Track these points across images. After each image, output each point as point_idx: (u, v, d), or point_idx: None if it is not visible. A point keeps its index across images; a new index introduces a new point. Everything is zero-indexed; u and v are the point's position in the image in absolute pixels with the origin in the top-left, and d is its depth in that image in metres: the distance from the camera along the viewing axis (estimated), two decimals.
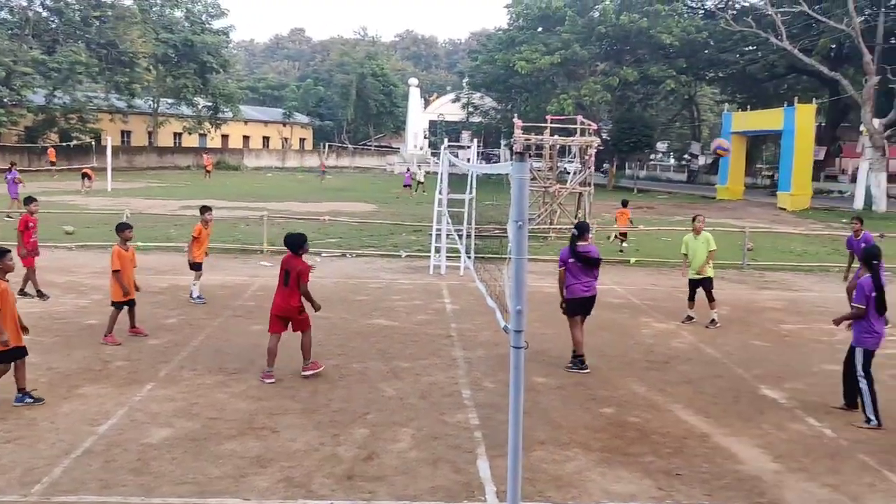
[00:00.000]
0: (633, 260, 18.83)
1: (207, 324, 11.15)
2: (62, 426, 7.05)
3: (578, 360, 9.38)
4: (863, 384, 7.81)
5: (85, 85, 59.50)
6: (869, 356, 7.86)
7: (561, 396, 8.35)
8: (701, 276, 11.97)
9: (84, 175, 36.37)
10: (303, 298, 8.75)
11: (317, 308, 8.92)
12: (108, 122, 60.88)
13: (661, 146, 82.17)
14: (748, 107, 49.89)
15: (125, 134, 68.35)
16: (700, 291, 12.08)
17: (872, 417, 7.68)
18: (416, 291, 14.26)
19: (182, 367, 9.00)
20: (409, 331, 11.11)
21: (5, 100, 50.87)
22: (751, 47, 52.10)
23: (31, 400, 7.58)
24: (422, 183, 43.42)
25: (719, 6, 56.24)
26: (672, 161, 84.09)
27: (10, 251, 7.86)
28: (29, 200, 13.33)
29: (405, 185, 41.72)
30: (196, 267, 12.63)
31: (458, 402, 8.03)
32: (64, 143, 56.09)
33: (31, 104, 54.08)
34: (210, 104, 68.15)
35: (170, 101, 67.27)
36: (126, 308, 10.12)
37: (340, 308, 12.50)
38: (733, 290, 15.32)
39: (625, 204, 22.93)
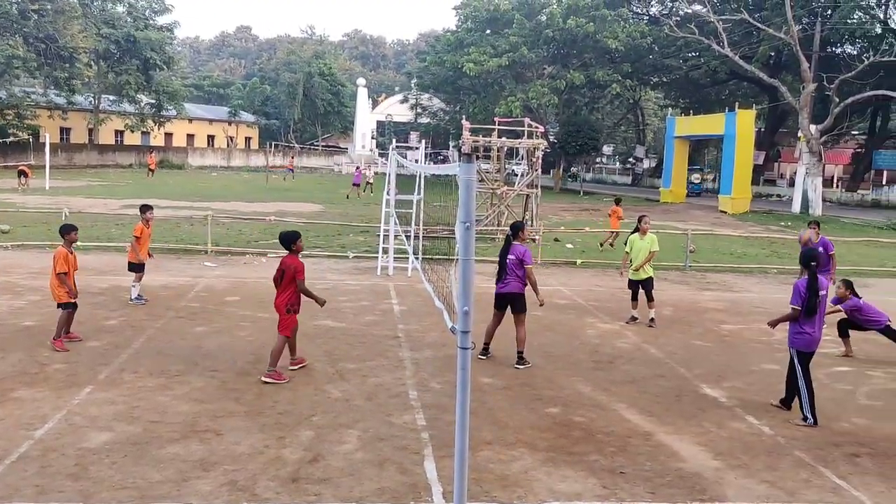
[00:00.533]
0: (579, 261, 19.05)
1: (149, 325, 10.91)
2: None
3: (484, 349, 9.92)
4: (800, 383, 8.03)
5: (22, 80, 57.78)
6: (804, 357, 8.06)
7: (507, 397, 8.41)
8: (641, 276, 12.21)
9: (21, 173, 35.31)
10: (297, 297, 8.90)
11: (321, 303, 9.17)
12: (47, 119, 59.24)
13: (607, 149, 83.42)
14: (691, 112, 50.98)
15: (64, 131, 66.55)
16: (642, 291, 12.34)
17: (809, 415, 7.90)
18: (363, 292, 14.19)
19: (123, 369, 8.79)
20: (356, 332, 11.06)
21: None
22: (694, 53, 53.27)
23: None
24: (370, 183, 43.27)
25: (663, 13, 57.39)
26: (617, 164, 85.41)
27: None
28: None
29: (354, 185, 41.44)
30: (135, 268, 12.33)
31: (405, 404, 8.01)
32: (0, 140, 54.35)
33: None
34: (153, 101, 66.79)
35: (111, 97, 65.76)
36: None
37: None
38: (676, 291, 15.63)
39: (618, 202, 23.31)
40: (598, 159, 79.71)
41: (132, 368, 8.83)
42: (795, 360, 8.09)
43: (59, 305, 9.69)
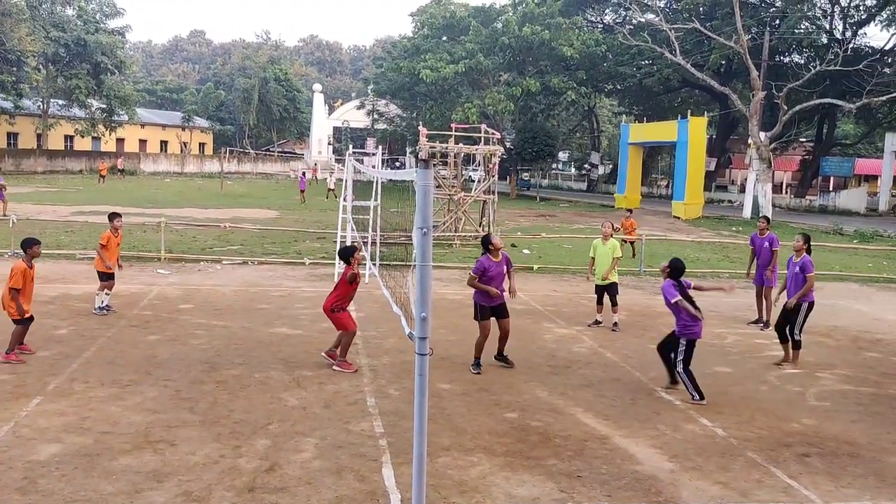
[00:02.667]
0: (535, 267, 19.18)
1: (101, 334, 10.69)
2: None
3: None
4: (679, 368, 8.86)
5: None
6: (692, 345, 8.84)
7: (465, 402, 8.42)
8: (606, 282, 12.37)
9: None
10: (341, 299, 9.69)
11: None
12: None
13: (563, 156, 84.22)
14: (644, 119, 51.76)
15: (11, 136, 64.97)
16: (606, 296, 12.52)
17: (695, 394, 8.70)
18: (320, 299, 13.96)
19: (73, 379, 8.59)
20: (314, 339, 10.97)
21: None
22: (647, 62, 54.16)
23: None
24: (332, 189, 43.01)
25: (617, 21, 58.23)
26: (573, 170, 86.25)
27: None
28: None
29: (301, 191, 41.05)
30: (102, 277, 12.01)
31: (363, 411, 7.97)
32: None
33: None
34: (104, 106, 65.51)
35: (61, 102, 64.33)
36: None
37: (241, 317, 12.23)
38: (630, 296, 15.80)
39: (630, 212, 23.65)
40: (553, 165, 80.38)
41: (83, 378, 8.64)
42: (681, 349, 8.84)
43: (14, 321, 9.38)
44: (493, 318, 9.73)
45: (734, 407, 8.65)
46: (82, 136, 67.66)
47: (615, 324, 12.43)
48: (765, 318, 13.07)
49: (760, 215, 14.23)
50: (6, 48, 54.74)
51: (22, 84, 57.84)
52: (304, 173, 46.58)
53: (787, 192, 57.20)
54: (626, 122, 52.28)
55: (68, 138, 69.98)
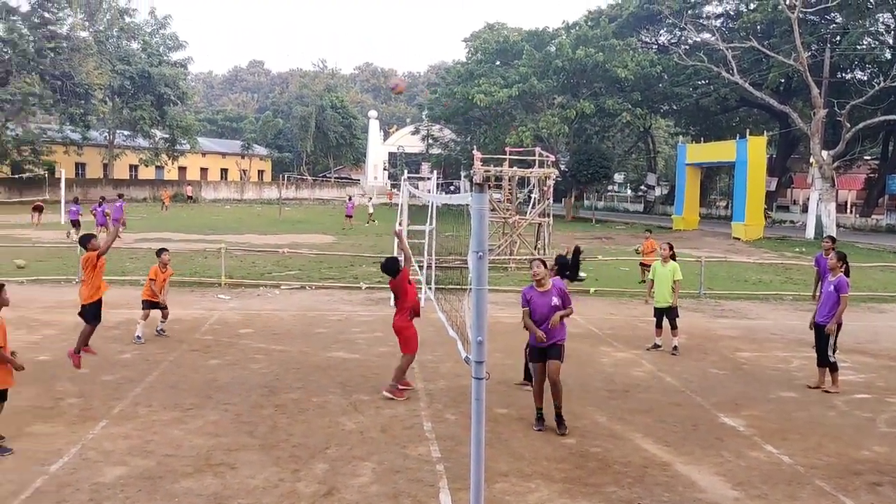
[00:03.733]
0: (592, 290, 18.98)
1: (163, 359, 10.93)
2: (10, 466, 6.83)
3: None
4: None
5: (38, 117, 58.63)
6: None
7: (522, 427, 8.33)
8: (666, 305, 12.16)
9: (36, 209, 35.66)
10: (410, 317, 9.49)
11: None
12: (63, 155, 59.97)
13: (618, 177, 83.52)
14: (702, 139, 51.04)
15: (80, 166, 67.33)
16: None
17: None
18: (376, 323, 14.16)
19: (137, 403, 8.79)
20: (370, 363, 11.02)
21: None
22: (703, 81, 53.47)
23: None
24: (371, 214, 43.45)
25: (672, 42, 57.77)
26: (629, 192, 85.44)
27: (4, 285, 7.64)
28: None
29: (347, 216, 41.33)
30: (145, 305, 12.28)
31: (420, 435, 7.96)
32: (16, 176, 55.07)
33: None
34: (167, 136, 67.56)
35: (126, 132, 66.55)
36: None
37: (300, 341, 12.36)
38: (690, 319, 15.49)
39: (650, 231, 23.02)
40: (609, 187, 79.75)
41: (146, 402, 8.83)
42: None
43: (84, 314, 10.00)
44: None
45: (800, 433, 8.38)
46: (146, 165, 69.87)
47: (675, 347, 12.20)
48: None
49: (825, 235, 13.85)
50: (75, 82, 56.96)
51: (90, 116, 60.04)
52: (350, 199, 47.10)
53: (852, 212, 55.54)
54: (682, 142, 51.61)
55: (133, 167, 72.30)
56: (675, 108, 60.73)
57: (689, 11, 52.41)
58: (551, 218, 24.22)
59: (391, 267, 9.60)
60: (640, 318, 14.98)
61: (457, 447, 7.54)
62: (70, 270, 18.90)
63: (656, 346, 12.41)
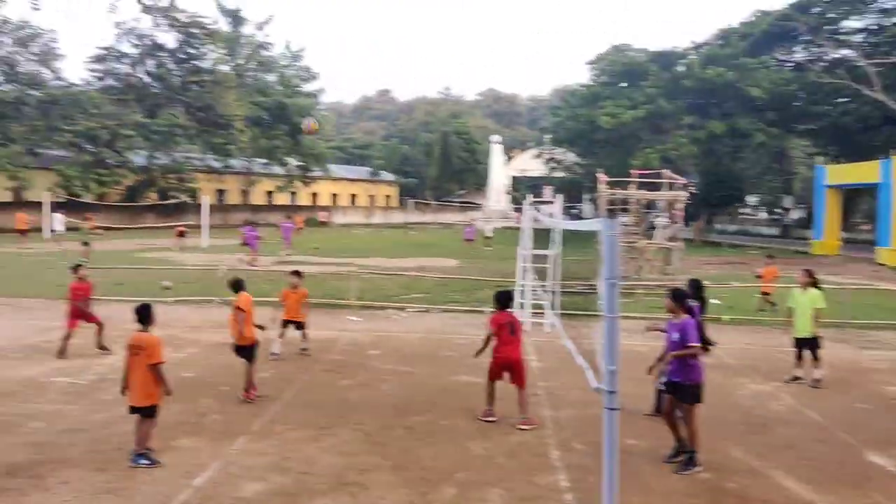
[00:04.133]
0: (726, 318, 18.26)
1: (298, 378, 11.35)
2: (159, 478, 7.25)
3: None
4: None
5: (183, 146, 62.66)
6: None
7: (654, 459, 8.10)
8: (807, 335, 11.56)
9: (178, 233, 37.97)
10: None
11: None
12: (205, 182, 63.71)
13: (752, 200, 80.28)
14: (842, 159, 48.34)
15: (220, 192, 71.20)
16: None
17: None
18: None
19: (274, 421, 9.16)
20: (496, 389, 11.00)
21: (109, 161, 53.96)
22: (843, 99, 50.69)
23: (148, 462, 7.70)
24: (489, 237, 43.56)
25: (809, 59, 55.13)
26: (763, 215, 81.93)
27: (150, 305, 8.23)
28: (76, 268, 13.50)
29: (467, 240, 41.55)
30: (285, 324, 12.87)
31: (547, 464, 7.88)
32: (162, 202, 58.91)
33: (133, 165, 57.26)
34: (301, 163, 70.54)
35: (263, 160, 69.99)
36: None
37: (427, 364, 12.53)
38: (834, 350, 14.61)
39: (772, 257, 21.56)
40: (742, 210, 76.74)
41: (283, 420, 9.19)
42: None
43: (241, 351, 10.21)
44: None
45: None
46: (281, 192, 73.16)
47: (816, 380, 11.54)
48: None
49: None
50: (217, 113, 60.53)
51: (230, 146, 63.55)
52: (469, 224, 47.48)
53: None
54: (821, 163, 49.06)
55: (269, 193, 75.81)
56: (812, 127, 57.76)
57: (827, 27, 50.00)
58: (681, 242, 23.54)
59: (508, 298, 9.75)
60: (779, 348, 14.28)
61: (586, 477, 7.42)
62: (211, 292, 19.96)
63: (796, 379, 11.78)
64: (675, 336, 7.89)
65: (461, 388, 10.95)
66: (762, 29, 53.25)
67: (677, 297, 8.01)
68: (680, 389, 7.93)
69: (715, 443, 8.71)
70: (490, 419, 9.31)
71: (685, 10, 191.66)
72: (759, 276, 20.45)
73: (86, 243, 30.18)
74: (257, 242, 30.12)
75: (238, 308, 10.14)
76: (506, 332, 9.29)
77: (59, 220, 39.16)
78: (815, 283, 11.92)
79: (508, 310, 9.62)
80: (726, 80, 48.01)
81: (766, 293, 19.57)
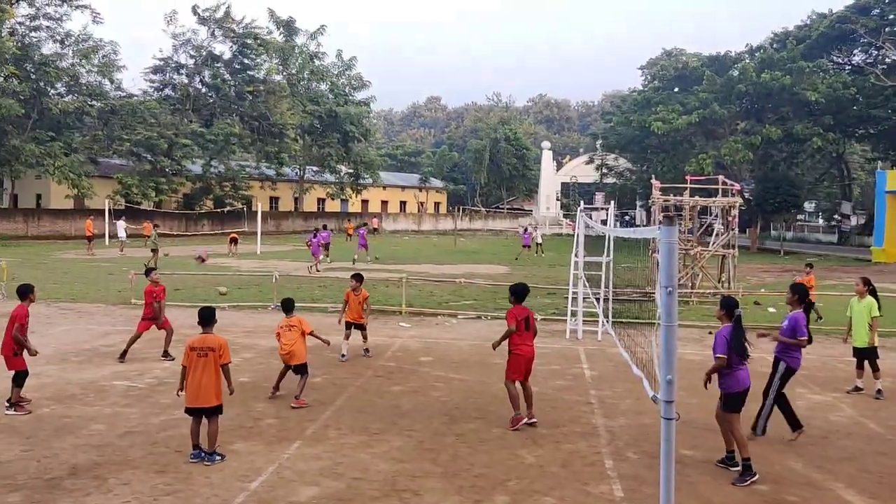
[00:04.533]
0: None
1: (350, 384, 11.45)
2: (216, 481, 7.37)
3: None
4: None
5: (238, 155, 63.93)
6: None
7: (711, 470, 7.96)
8: (863, 346, 11.26)
9: (232, 240, 38.68)
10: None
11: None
12: (259, 189, 64.85)
13: (809, 206, 78.46)
14: None
15: (273, 200, 72.36)
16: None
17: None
18: (552, 356, 14.08)
19: (327, 426, 9.25)
20: (548, 396, 10.96)
21: (167, 169, 55.31)
22: None
23: (220, 457, 7.99)
24: (540, 244, 43.39)
25: (868, 61, 53.73)
26: (821, 221, 79.98)
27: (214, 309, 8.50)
28: (149, 272, 13.85)
29: (524, 246, 41.60)
30: (347, 326, 13.22)
31: (601, 473, 7.80)
32: (218, 210, 60.11)
33: (190, 173, 58.62)
34: (352, 171, 71.31)
35: (314, 168, 70.96)
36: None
37: (477, 371, 12.53)
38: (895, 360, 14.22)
39: (811, 266, 20.87)
40: (798, 217, 75.04)
41: (335, 425, 9.27)
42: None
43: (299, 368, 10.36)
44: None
45: None
46: (332, 199, 74.11)
47: (878, 391, 11.21)
48: None
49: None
50: (270, 122, 61.63)
51: (283, 154, 64.63)
52: (526, 230, 47.35)
53: None
54: (881, 168, 47.68)
55: (320, 201, 76.84)
56: (871, 132, 56.28)
57: (887, 29, 48.66)
58: (736, 249, 23.10)
59: (524, 292, 9.76)
60: (839, 357, 13.93)
61: (640, 487, 7.33)
62: (266, 297, 20.26)
63: (857, 389, 11.47)
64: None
65: None
66: (819, 32, 52.12)
67: (724, 305, 8.13)
68: (721, 397, 8.02)
69: (773, 454, 8.53)
70: (523, 424, 9.22)
71: (740, 14, 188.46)
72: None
73: (154, 249, 31.16)
74: (320, 250, 31.05)
75: (292, 327, 10.35)
76: (522, 326, 9.32)
77: (121, 227, 40.26)
78: (872, 292, 11.60)
79: (523, 304, 9.61)
80: (782, 84, 47.07)
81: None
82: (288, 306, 10.63)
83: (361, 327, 13.41)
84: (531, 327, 9.46)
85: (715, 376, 7.92)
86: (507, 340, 9.35)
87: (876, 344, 11.39)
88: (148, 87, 61.48)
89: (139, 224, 45.07)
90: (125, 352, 12.86)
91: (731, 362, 7.78)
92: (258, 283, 23.50)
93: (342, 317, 13.33)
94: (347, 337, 13.26)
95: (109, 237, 43.65)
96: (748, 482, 7.55)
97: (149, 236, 40.86)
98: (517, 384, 9.36)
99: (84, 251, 37.62)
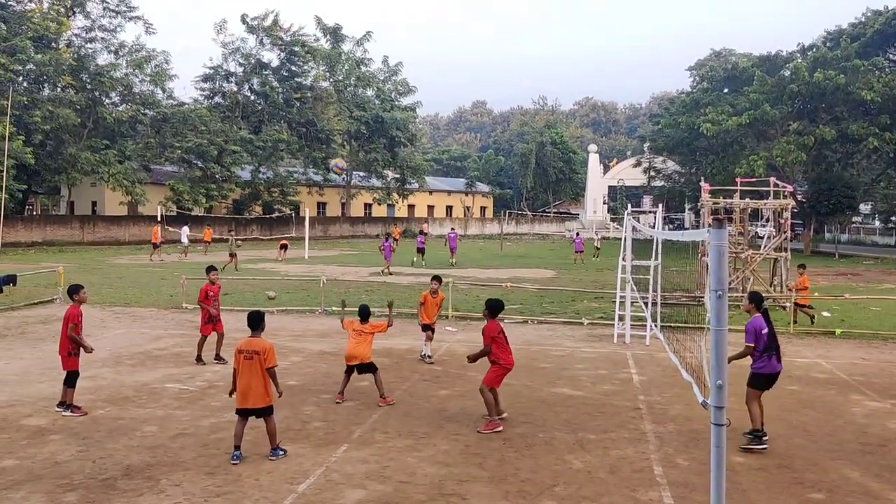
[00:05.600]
0: (838, 331, 17.43)
1: (397, 387, 11.48)
2: (265, 483, 7.46)
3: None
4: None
5: (286, 161, 64.73)
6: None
7: (763, 478, 7.79)
8: None
9: (281, 245, 39.17)
10: None
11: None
12: (306, 195, 65.59)
13: (865, 208, 76.42)
14: None
15: (321, 205, 73.10)
16: None
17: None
18: (599, 360, 13.96)
19: (374, 429, 9.30)
20: (595, 401, 10.86)
21: (217, 175, 56.29)
22: None
23: (282, 452, 8.29)
24: (598, 248, 42.96)
25: None
26: (878, 223, 77.83)
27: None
28: (209, 270, 13.90)
29: (578, 252, 40.99)
30: (424, 328, 13.49)
31: (650, 479, 7.69)
32: (267, 215, 60.95)
33: (239, 179, 59.61)
34: (398, 176, 71.66)
35: (361, 173, 71.47)
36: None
37: (524, 375, 12.46)
38: None
39: (804, 267, 20.05)
40: (854, 219, 73.13)
41: (382, 429, 9.31)
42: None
43: (368, 368, 10.58)
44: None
45: None
46: (379, 204, 74.57)
47: None
48: None
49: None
50: (318, 128, 62.35)
51: (330, 159, 65.22)
52: (577, 234, 46.94)
53: None
54: None
55: (367, 206, 77.38)
56: None
57: None
58: (789, 252, 22.61)
59: (497, 308, 9.85)
60: None
61: (690, 494, 7.21)
62: (314, 302, 20.47)
63: None
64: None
65: (559, 401, 10.83)
66: (874, 29, 50.82)
67: (752, 299, 9.19)
68: (749, 377, 9.00)
69: (828, 462, 8.31)
70: (500, 428, 9.32)
71: (791, 13, 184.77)
72: (790, 289, 19.31)
73: (232, 254, 32.03)
74: (391, 254, 31.64)
75: (364, 333, 10.63)
76: (503, 338, 9.54)
77: (184, 233, 41.22)
78: None
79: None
80: (835, 83, 46.00)
81: (801, 305, 18.30)
82: (362, 315, 10.86)
83: (432, 330, 13.69)
84: (506, 339, 9.68)
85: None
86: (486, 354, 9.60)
87: None
88: (198, 95, 62.74)
89: (199, 230, 45.87)
90: (198, 356, 13.16)
91: (763, 349, 8.78)
92: (306, 288, 23.76)
93: (420, 319, 13.56)
94: (429, 339, 13.62)
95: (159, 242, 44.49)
96: (754, 448, 8.63)
97: (208, 242, 42.04)
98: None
99: (154, 257, 37.88)
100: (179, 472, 7.77)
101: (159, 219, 47.14)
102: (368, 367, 10.49)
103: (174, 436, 8.99)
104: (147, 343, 15.14)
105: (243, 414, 8.16)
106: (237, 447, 8.12)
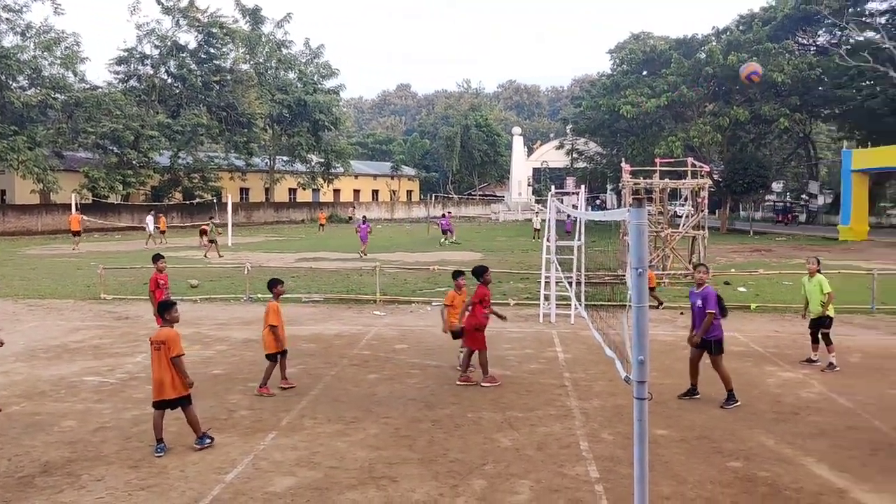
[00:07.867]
0: (753, 306, 18.10)
1: (325, 373, 11.41)
2: (191, 474, 7.32)
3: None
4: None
5: (206, 146, 63.12)
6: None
7: (684, 449, 8.06)
8: (818, 316, 11.76)
9: (202, 232, 38.26)
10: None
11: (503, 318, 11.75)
12: (228, 181, 64.16)
13: (777, 186, 79.37)
14: (869, 143, 47.64)
15: (244, 191, 71.70)
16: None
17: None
18: (526, 340, 14.16)
19: (302, 416, 9.22)
20: (522, 380, 11.02)
21: (134, 161, 54.46)
22: (869, 82, 49.97)
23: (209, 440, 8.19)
24: (538, 230, 43.48)
25: (832, 42, 54.36)
26: (788, 201, 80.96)
27: (176, 303, 8.43)
28: (156, 258, 13.56)
29: (446, 231, 40.76)
30: (455, 335, 11.21)
31: (577, 454, 7.86)
32: (187, 202, 59.41)
33: (158, 165, 57.81)
34: (322, 160, 70.82)
35: (285, 158, 70.36)
36: (279, 359, 10.40)
37: (452, 357, 12.51)
38: (864, 336, 14.48)
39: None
40: (767, 197, 75.89)
41: (311, 415, 9.24)
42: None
43: (266, 356, 10.31)
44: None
45: None
46: (304, 189, 73.63)
47: (830, 364, 11.56)
48: None
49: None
50: (238, 112, 60.95)
51: (252, 143, 63.95)
52: (444, 215, 45.06)
53: None
54: (847, 147, 48.39)
55: (291, 191, 76.31)
56: (837, 111, 57.04)
57: (851, 10, 49.22)
58: (706, 231, 23.34)
59: (477, 272, 11.29)
60: (807, 335, 14.12)
61: (615, 467, 7.40)
62: (238, 290, 20.11)
63: (810, 361, 11.96)
64: (699, 302, 9.75)
65: None
66: (784, 13, 52.60)
67: (708, 269, 10.29)
68: (707, 344, 9.75)
69: (745, 431, 8.65)
70: (499, 382, 10.67)
71: None
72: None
73: (212, 240, 31.31)
74: (367, 237, 32.52)
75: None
76: (488, 301, 10.95)
77: (150, 221, 40.06)
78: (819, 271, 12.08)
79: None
80: None
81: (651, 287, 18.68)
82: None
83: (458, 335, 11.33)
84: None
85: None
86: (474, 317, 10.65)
87: (832, 315, 11.81)
88: (112, 78, 60.41)
89: (105, 218, 44.40)
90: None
91: (716, 315, 9.64)
92: (230, 276, 23.33)
93: (446, 325, 11.15)
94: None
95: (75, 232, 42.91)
96: (732, 406, 9.53)
97: (163, 231, 40.96)
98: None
99: (74, 246, 36.79)
100: (101, 466, 7.56)
101: (75, 207, 45.45)
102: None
103: (95, 430, 8.73)
104: (63, 335, 14.62)
105: (159, 406, 7.98)
106: (160, 440, 7.94)
